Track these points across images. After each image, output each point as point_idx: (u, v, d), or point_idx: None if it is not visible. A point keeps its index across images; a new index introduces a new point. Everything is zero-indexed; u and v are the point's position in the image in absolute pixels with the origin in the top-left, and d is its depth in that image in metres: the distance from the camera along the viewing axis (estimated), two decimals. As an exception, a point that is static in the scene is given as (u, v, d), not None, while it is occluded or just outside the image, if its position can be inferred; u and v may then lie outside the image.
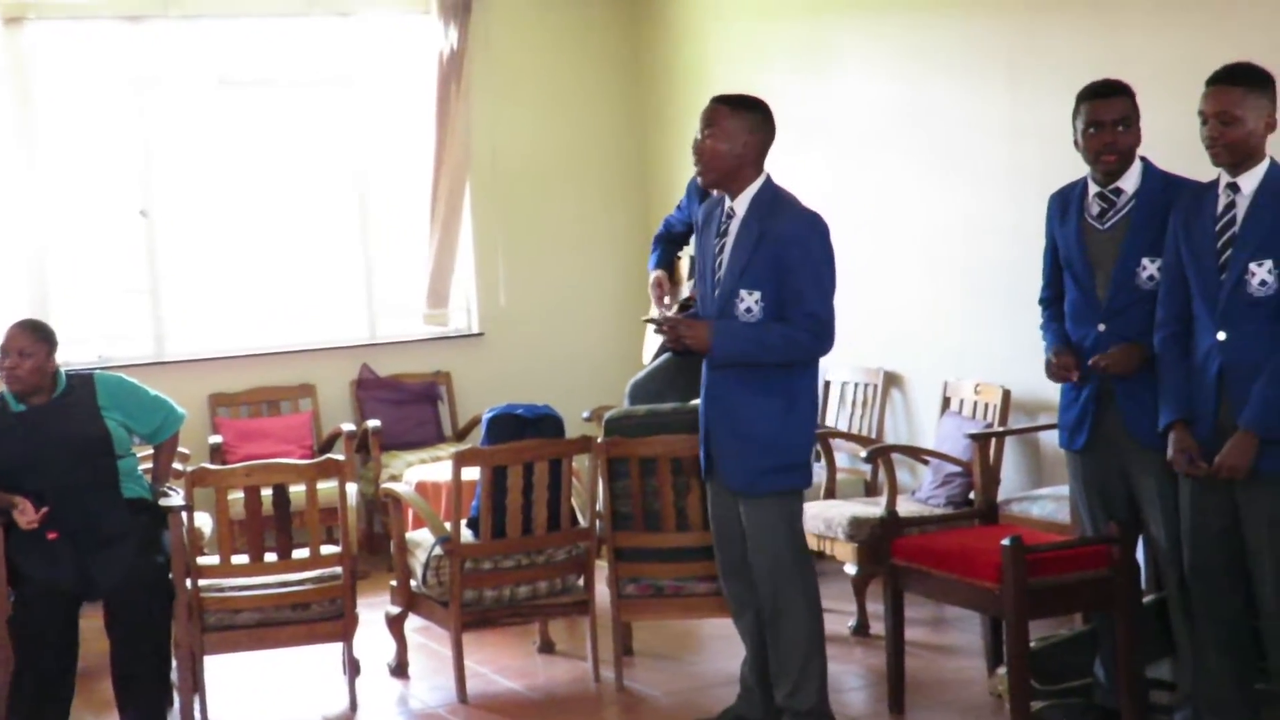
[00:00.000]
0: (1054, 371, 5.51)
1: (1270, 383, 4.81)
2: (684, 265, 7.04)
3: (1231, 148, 4.91)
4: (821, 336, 5.34)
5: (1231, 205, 4.96)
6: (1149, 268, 5.26)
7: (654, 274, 7.03)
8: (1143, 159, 5.37)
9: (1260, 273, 4.87)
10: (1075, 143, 5.40)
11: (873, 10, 8.44)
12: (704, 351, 5.42)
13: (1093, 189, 5.40)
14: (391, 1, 9.84)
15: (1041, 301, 5.68)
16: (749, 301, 5.35)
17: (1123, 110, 5.30)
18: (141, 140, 9.35)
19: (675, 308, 6.79)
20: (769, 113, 5.49)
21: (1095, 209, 5.39)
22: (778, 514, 5.46)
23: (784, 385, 5.39)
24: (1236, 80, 4.92)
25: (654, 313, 6.90)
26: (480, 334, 10.10)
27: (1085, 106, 5.34)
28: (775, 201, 5.41)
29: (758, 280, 5.34)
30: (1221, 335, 4.94)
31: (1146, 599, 5.80)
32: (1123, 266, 5.30)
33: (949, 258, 8.02)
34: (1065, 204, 5.51)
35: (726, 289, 5.42)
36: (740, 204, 5.43)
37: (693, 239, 7.12)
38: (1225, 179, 4.99)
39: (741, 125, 5.40)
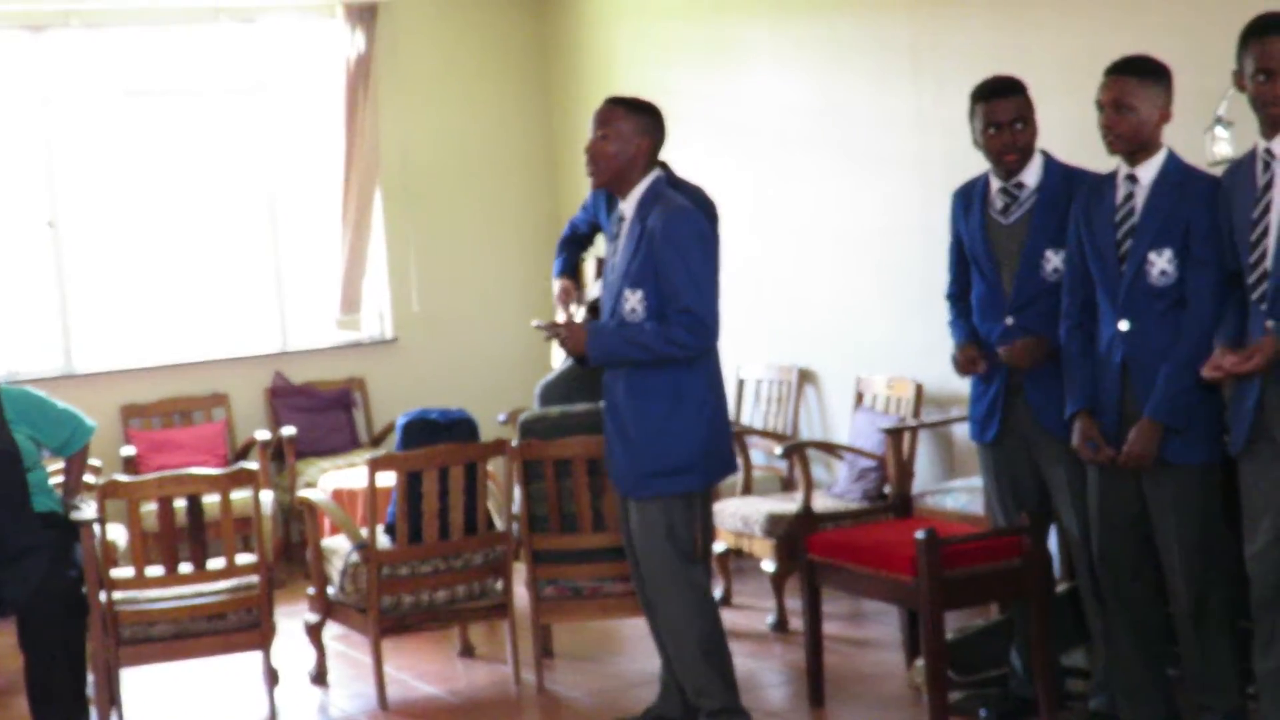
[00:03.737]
0: (960, 365, 5.57)
1: (1174, 373, 4.86)
2: (589, 267, 7.03)
3: (1125, 137, 4.97)
4: (698, 332, 5.26)
5: (1130, 196, 5.01)
6: (1053, 260, 5.32)
7: (558, 283, 7.00)
8: (1043, 152, 5.42)
9: (1160, 262, 4.93)
10: (975, 141, 5.45)
11: (778, 8, 8.48)
12: (581, 355, 5.42)
13: (995, 184, 5.45)
14: (297, 7, 9.79)
15: (949, 297, 5.71)
16: (632, 301, 5.35)
17: (1018, 108, 5.35)
18: (46, 151, 9.26)
19: (584, 310, 6.78)
20: (661, 116, 5.49)
21: (999, 204, 5.44)
22: (658, 518, 5.41)
23: (669, 387, 5.35)
24: (1132, 71, 4.98)
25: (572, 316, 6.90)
26: (394, 339, 10.06)
27: (981, 108, 5.38)
28: (656, 198, 5.39)
29: (639, 279, 5.34)
30: (1123, 325, 4.99)
31: (1060, 588, 5.86)
32: (1027, 260, 5.35)
33: (860, 254, 8.07)
34: (969, 200, 5.56)
35: (616, 290, 5.43)
36: (629, 205, 5.45)
37: (599, 239, 7.13)
38: (1124, 170, 5.04)
39: (634, 127, 5.40)
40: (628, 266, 5.37)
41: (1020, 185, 5.39)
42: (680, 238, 5.29)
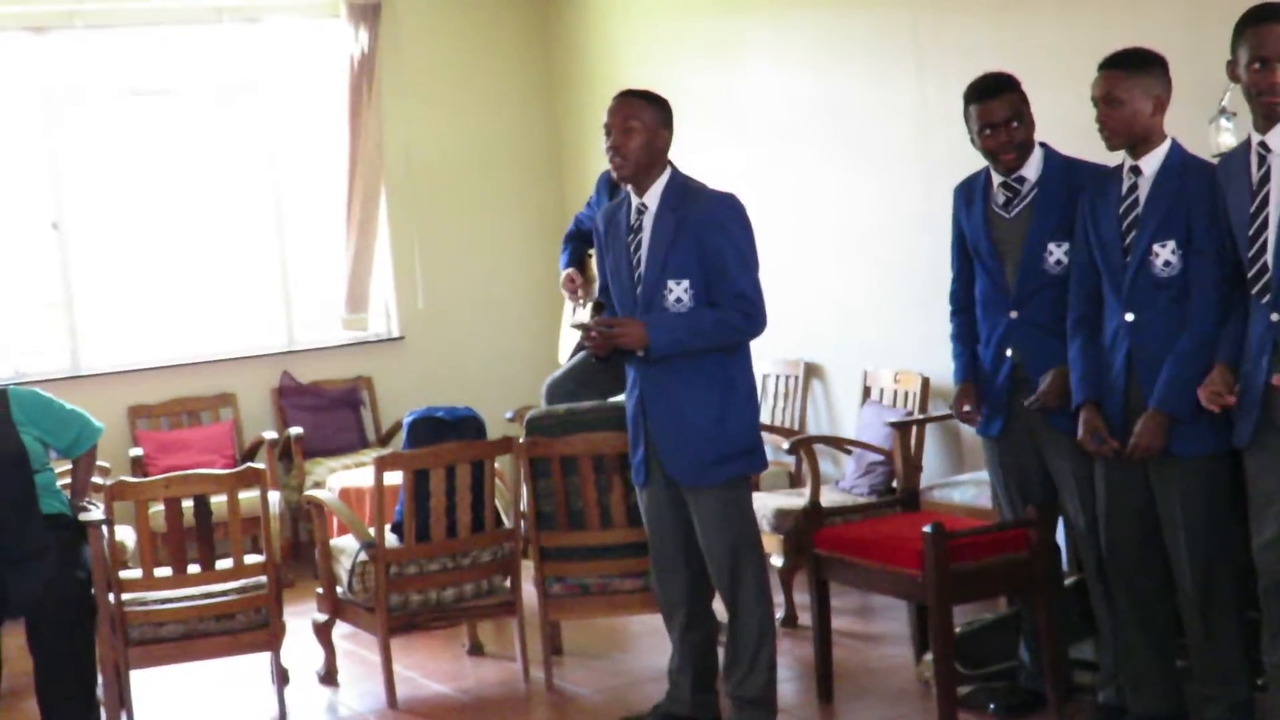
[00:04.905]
0: (956, 411, 5.67)
1: (1178, 363, 4.86)
2: (595, 261, 7.03)
3: (1119, 131, 4.97)
4: (753, 316, 5.34)
5: (1134, 187, 5.01)
6: (1055, 252, 5.31)
7: (565, 271, 7.02)
8: (1043, 145, 5.41)
9: (1164, 253, 4.92)
10: (972, 141, 5.44)
11: (780, 2, 8.47)
12: (639, 348, 5.38)
13: (996, 178, 5.44)
14: (300, 6, 9.80)
15: (951, 297, 5.71)
16: (678, 291, 5.35)
17: (1012, 107, 5.33)
18: (51, 152, 9.27)
19: (590, 306, 6.77)
20: (671, 109, 5.51)
21: (1000, 198, 5.43)
22: (729, 503, 5.44)
23: (720, 372, 5.39)
24: (1119, 65, 4.97)
25: (577, 316, 6.89)
26: (400, 337, 10.07)
27: (974, 109, 5.37)
28: (686, 190, 5.42)
29: (683, 269, 5.34)
30: (1129, 316, 4.98)
31: (1068, 581, 5.86)
32: (1029, 253, 5.34)
33: (865, 248, 8.06)
34: (970, 194, 5.56)
35: (651, 283, 5.40)
36: (651, 198, 5.44)
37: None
38: (1128, 162, 5.03)
39: (655, 118, 5.42)
40: (665, 258, 5.37)
41: (1021, 179, 5.38)
42: (727, 223, 5.36)
